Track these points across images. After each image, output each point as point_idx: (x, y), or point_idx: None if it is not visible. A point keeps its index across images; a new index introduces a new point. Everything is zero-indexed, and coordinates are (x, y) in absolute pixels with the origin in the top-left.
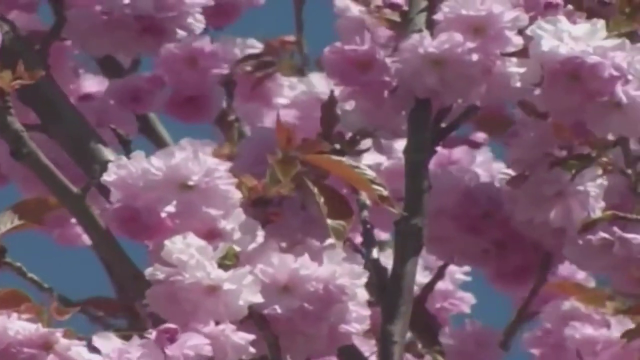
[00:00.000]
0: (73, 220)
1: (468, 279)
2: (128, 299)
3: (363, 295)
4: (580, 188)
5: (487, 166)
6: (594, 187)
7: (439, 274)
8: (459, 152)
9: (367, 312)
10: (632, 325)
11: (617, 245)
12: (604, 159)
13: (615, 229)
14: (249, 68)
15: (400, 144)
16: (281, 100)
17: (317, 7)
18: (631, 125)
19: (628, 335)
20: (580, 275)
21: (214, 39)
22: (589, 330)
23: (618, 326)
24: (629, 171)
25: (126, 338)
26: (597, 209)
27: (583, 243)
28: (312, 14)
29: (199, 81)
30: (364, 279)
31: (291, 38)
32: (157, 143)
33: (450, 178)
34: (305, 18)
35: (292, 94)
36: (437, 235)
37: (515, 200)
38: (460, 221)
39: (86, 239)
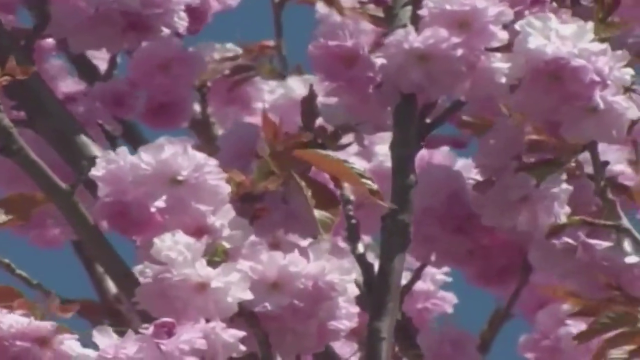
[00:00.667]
0: (50, 221)
1: (449, 279)
2: (110, 301)
3: (353, 290)
4: (546, 193)
5: (467, 171)
6: (559, 192)
7: (417, 275)
8: (440, 155)
9: (355, 309)
10: None
11: (580, 250)
12: (572, 164)
13: (580, 234)
14: (227, 72)
15: (380, 148)
16: (260, 105)
17: (297, 11)
18: (606, 131)
19: (580, 337)
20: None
21: (192, 43)
22: (583, 328)
23: None
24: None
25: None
26: (562, 214)
27: (547, 248)
28: (291, 19)
29: (172, 87)
30: (354, 275)
31: (270, 42)
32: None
33: (437, 178)
34: (285, 23)
35: (271, 98)
36: (422, 235)
37: (482, 206)
38: (446, 221)
39: (64, 242)
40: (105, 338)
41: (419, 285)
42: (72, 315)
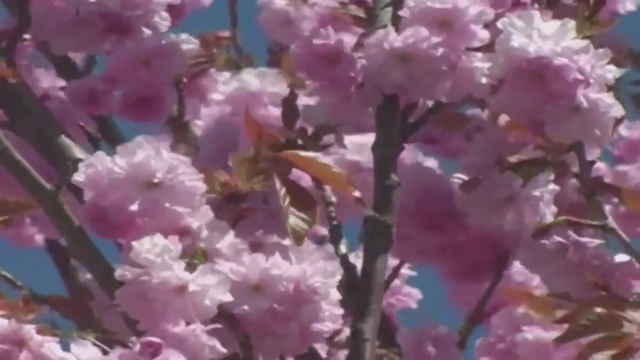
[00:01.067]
0: (27, 220)
1: (414, 274)
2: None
3: (335, 294)
4: (532, 193)
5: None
6: (545, 192)
7: (395, 274)
8: (405, 152)
9: (339, 311)
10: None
11: (571, 250)
12: (558, 164)
13: (570, 233)
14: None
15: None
16: (216, 96)
17: (251, 2)
18: (590, 130)
19: (559, 340)
20: (535, 282)
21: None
22: (540, 333)
23: None
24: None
25: (104, 342)
26: (548, 214)
27: (537, 247)
28: (246, 9)
29: (152, 81)
30: (337, 277)
31: (225, 33)
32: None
33: (408, 176)
34: (240, 13)
35: (225, 90)
36: (398, 233)
37: (468, 205)
38: (419, 218)
39: (40, 240)
40: (84, 350)
41: None
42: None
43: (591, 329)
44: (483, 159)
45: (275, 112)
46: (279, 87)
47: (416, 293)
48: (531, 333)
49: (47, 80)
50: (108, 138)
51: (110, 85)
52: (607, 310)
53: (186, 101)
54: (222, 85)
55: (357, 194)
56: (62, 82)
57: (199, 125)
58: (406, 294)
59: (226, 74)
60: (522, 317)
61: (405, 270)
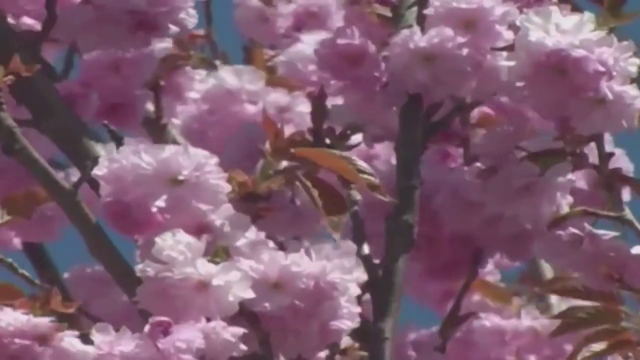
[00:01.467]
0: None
1: None
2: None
3: (354, 290)
4: (549, 183)
5: None
6: (562, 182)
7: None
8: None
9: (357, 309)
10: (541, 318)
11: (586, 241)
12: (576, 155)
13: (586, 224)
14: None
15: None
16: (192, 95)
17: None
18: (614, 122)
19: (555, 332)
20: (487, 269)
21: None
22: (497, 320)
23: (528, 317)
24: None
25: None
26: (565, 204)
27: (553, 238)
28: (220, 7)
29: (123, 88)
30: (355, 274)
31: (200, 32)
32: None
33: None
34: (214, 10)
35: (202, 88)
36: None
37: (484, 193)
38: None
39: (17, 243)
40: (102, 335)
41: None
42: None
43: (588, 321)
44: (501, 147)
45: (252, 109)
46: (256, 84)
47: None
48: (488, 320)
49: None
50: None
51: (84, 90)
52: (606, 304)
53: (162, 100)
54: (199, 84)
55: (375, 182)
56: None
57: (177, 126)
58: None
59: (202, 72)
60: (478, 304)
61: None
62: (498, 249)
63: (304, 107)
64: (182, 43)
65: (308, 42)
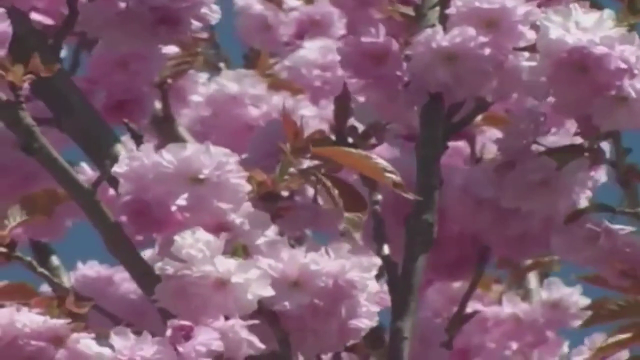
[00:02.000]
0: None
1: None
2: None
3: (374, 287)
4: (566, 178)
5: None
6: (580, 177)
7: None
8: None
9: (376, 308)
10: (522, 304)
11: (602, 237)
12: (593, 150)
13: (603, 220)
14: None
15: None
16: (195, 98)
17: (229, 2)
18: (637, 119)
19: (584, 323)
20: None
21: None
22: (479, 307)
23: (509, 303)
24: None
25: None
26: (583, 199)
27: (568, 234)
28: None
29: (130, 84)
30: (374, 271)
31: (204, 35)
32: None
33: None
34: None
35: (205, 92)
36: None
37: (501, 188)
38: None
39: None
40: (122, 339)
41: None
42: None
43: (618, 314)
44: (519, 142)
45: (255, 112)
46: (258, 89)
47: None
48: (470, 307)
49: None
50: None
51: (91, 87)
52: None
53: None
54: (202, 87)
55: (397, 179)
56: None
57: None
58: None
59: (204, 76)
60: (459, 291)
61: None
62: (505, 247)
63: (307, 111)
64: (185, 45)
65: (311, 48)
